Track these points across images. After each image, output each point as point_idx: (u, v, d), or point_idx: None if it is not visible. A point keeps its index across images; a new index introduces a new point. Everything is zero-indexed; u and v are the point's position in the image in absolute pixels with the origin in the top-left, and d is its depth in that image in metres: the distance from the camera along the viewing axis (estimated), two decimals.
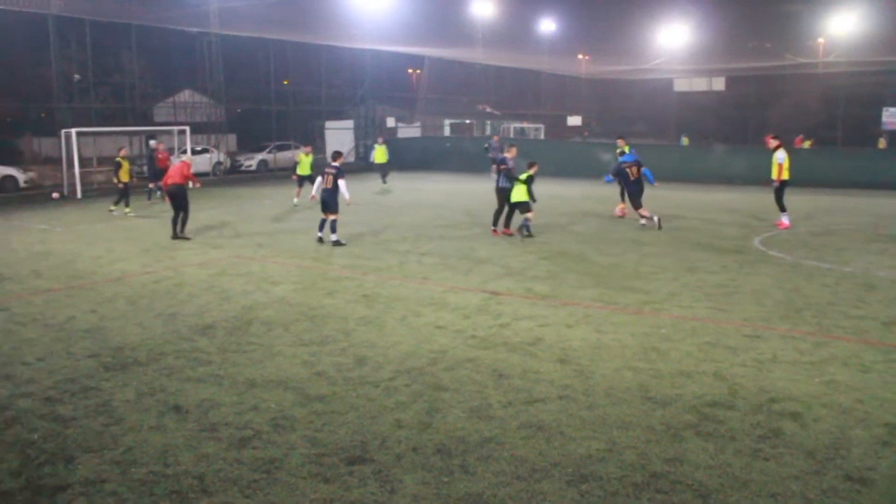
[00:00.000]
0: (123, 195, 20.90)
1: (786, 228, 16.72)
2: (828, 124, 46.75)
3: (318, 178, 15.27)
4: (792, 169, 17.17)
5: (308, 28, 39.80)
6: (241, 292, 10.86)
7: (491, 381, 6.99)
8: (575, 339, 8.34)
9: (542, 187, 22.16)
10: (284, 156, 37.10)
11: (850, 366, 7.36)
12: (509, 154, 16.36)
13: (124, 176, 20.85)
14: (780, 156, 16.85)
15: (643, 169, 17.07)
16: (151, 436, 5.87)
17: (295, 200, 22.56)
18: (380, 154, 28.46)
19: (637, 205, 16.84)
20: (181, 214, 16.11)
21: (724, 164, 30.26)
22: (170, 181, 16.04)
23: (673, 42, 43.00)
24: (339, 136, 42.65)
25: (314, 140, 43.37)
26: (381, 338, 8.47)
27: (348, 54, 45.02)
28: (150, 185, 24.34)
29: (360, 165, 39.01)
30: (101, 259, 13.85)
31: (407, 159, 38.04)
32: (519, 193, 15.62)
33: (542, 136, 52.89)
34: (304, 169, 23.19)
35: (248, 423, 6.09)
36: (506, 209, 16.10)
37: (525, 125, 55.87)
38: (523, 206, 15.67)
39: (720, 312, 9.50)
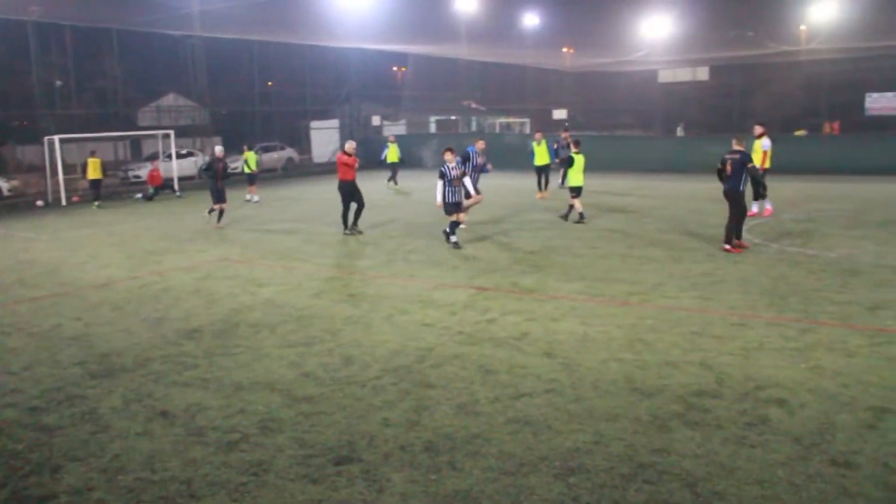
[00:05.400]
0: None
1: (770, 215, 16.77)
2: (812, 111, 46.88)
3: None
4: (779, 157, 17.20)
5: (291, 29, 39.61)
6: (227, 295, 10.82)
7: (478, 378, 6.99)
8: (561, 333, 8.35)
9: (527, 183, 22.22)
10: (271, 157, 37.11)
11: (836, 351, 7.40)
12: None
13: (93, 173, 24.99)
14: (766, 143, 16.85)
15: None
16: (138, 442, 5.84)
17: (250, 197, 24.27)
18: (392, 153, 27.33)
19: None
20: (356, 207, 16.07)
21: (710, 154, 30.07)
22: (341, 177, 15.89)
23: (656, 33, 42.96)
24: (325, 135, 42.51)
25: (300, 140, 43.28)
26: (368, 337, 8.46)
27: (332, 54, 44.79)
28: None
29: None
30: (86, 265, 13.78)
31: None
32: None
33: (528, 131, 52.87)
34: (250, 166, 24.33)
35: (235, 426, 6.07)
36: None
37: (511, 119, 55.80)
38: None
39: (706, 301, 9.54)
